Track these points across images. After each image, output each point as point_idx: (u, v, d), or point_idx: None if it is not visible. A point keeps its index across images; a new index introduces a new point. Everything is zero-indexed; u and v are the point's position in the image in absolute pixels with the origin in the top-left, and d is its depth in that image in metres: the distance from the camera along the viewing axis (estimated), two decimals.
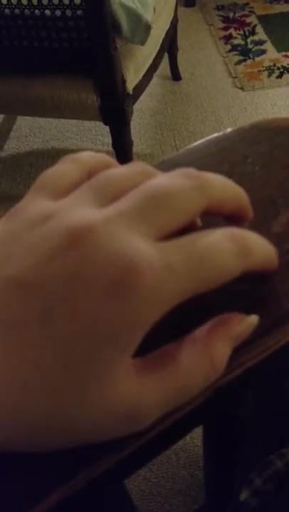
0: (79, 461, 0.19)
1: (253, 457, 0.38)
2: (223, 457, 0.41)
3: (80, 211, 0.18)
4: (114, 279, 0.16)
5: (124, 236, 0.17)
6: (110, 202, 0.19)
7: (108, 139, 1.27)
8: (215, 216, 0.21)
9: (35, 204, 0.20)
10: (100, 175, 0.20)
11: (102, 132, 1.66)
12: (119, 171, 0.20)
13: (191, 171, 0.20)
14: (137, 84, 1.23)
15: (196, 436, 0.94)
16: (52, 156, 1.62)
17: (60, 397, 0.17)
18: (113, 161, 0.23)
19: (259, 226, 0.25)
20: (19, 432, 0.17)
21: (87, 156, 0.22)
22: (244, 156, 0.29)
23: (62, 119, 1.70)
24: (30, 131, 1.72)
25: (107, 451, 0.19)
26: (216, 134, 0.31)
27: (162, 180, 0.19)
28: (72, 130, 1.71)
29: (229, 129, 0.31)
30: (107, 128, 1.24)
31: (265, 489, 0.34)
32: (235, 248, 0.19)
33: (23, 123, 1.74)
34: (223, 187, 0.20)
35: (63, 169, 0.21)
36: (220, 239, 0.19)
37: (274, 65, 1.92)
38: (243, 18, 2.20)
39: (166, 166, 0.28)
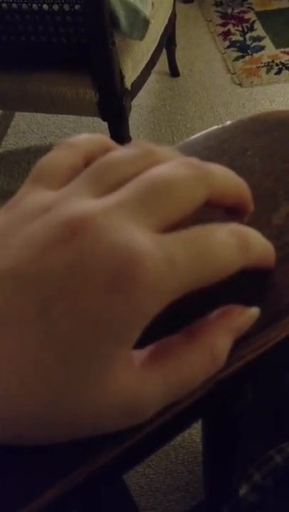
0: (77, 455, 0.18)
1: (253, 452, 0.38)
2: (221, 452, 0.41)
3: (80, 202, 0.18)
4: (114, 272, 0.16)
5: (124, 228, 0.17)
6: (111, 190, 0.19)
7: (106, 135, 1.26)
8: (216, 208, 0.21)
9: (33, 195, 0.20)
10: (100, 161, 0.20)
11: (100, 128, 1.65)
12: (120, 156, 0.20)
13: (194, 160, 0.19)
14: (135, 80, 1.22)
15: (194, 432, 0.94)
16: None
17: (59, 391, 0.17)
18: (110, 141, 0.23)
19: (259, 218, 0.25)
20: (18, 425, 0.17)
21: (84, 140, 0.22)
22: (244, 148, 0.29)
23: (60, 115, 1.69)
24: (28, 128, 1.71)
25: (106, 445, 0.19)
26: (215, 127, 0.31)
27: (164, 169, 0.19)
28: (70, 126, 1.70)
29: (229, 122, 0.31)
30: (105, 124, 1.24)
31: (264, 484, 0.34)
32: (236, 243, 0.19)
33: (21, 119, 1.73)
34: (226, 178, 0.20)
35: (59, 156, 0.21)
36: (222, 233, 0.18)
37: (272, 61, 1.91)
38: (241, 14, 2.19)
39: None
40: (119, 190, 0.18)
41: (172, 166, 0.19)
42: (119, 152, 0.20)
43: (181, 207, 0.18)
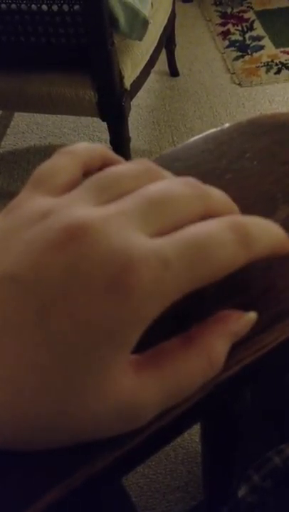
0: (77, 458, 0.19)
1: (252, 453, 0.38)
2: (221, 453, 0.41)
3: (79, 209, 0.18)
4: (111, 277, 0.16)
5: (121, 234, 0.17)
6: (111, 201, 0.19)
7: (106, 136, 1.26)
8: None
9: (32, 201, 0.20)
10: (103, 173, 0.20)
11: (99, 128, 1.65)
12: (123, 169, 0.20)
13: (192, 180, 0.20)
14: (134, 80, 1.22)
15: (194, 432, 0.94)
16: (49, 152, 1.61)
17: (58, 396, 0.17)
18: (108, 151, 0.23)
19: None
20: (17, 431, 0.17)
21: (83, 149, 0.22)
22: (242, 151, 0.29)
23: (59, 116, 1.69)
24: (28, 128, 1.71)
25: (106, 448, 0.19)
26: (214, 129, 0.31)
27: (163, 184, 0.20)
28: (70, 126, 1.70)
29: (227, 124, 0.31)
30: (105, 124, 1.24)
31: (263, 486, 0.34)
32: (235, 238, 0.18)
33: (21, 119, 1.73)
34: (221, 199, 0.21)
35: (59, 163, 0.21)
36: (219, 229, 0.18)
37: (272, 60, 1.91)
38: (241, 14, 2.19)
39: (164, 161, 0.28)
40: (119, 200, 0.19)
41: (172, 182, 0.20)
42: (123, 167, 0.21)
43: (179, 219, 0.19)
